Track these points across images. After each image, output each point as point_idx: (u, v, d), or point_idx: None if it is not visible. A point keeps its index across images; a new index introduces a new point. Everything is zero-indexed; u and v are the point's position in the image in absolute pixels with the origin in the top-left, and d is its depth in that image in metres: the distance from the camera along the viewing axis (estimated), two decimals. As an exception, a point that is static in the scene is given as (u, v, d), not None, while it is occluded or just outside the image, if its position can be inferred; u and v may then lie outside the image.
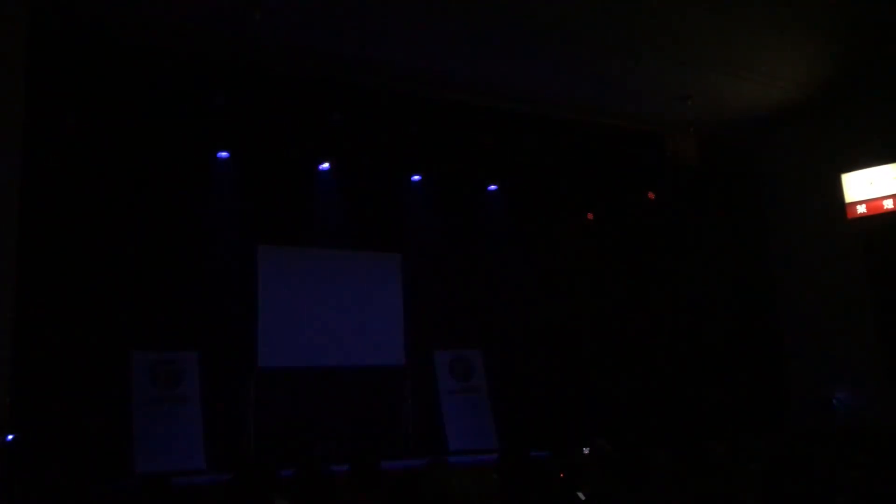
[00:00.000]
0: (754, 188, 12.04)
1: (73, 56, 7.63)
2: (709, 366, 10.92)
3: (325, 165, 9.81)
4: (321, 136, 9.30)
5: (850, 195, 10.85)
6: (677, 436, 8.19)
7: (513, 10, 7.95)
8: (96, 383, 7.73)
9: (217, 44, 8.26)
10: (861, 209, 10.74)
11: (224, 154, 9.21)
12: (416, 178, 10.50)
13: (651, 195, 11.28)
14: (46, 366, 7.31)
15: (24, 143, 7.08)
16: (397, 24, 8.12)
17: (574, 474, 3.95)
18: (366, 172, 9.99)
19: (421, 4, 7.79)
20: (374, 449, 8.10)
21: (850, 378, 10.53)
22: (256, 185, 9.28)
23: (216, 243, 9.01)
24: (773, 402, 11.07)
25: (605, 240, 11.21)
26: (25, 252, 7.15)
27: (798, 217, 11.48)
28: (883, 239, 10.50)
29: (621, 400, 10.42)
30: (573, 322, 10.86)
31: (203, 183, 9.06)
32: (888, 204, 10.46)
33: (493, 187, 11.03)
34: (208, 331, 8.79)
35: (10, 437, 6.51)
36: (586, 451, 5.46)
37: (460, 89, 9.70)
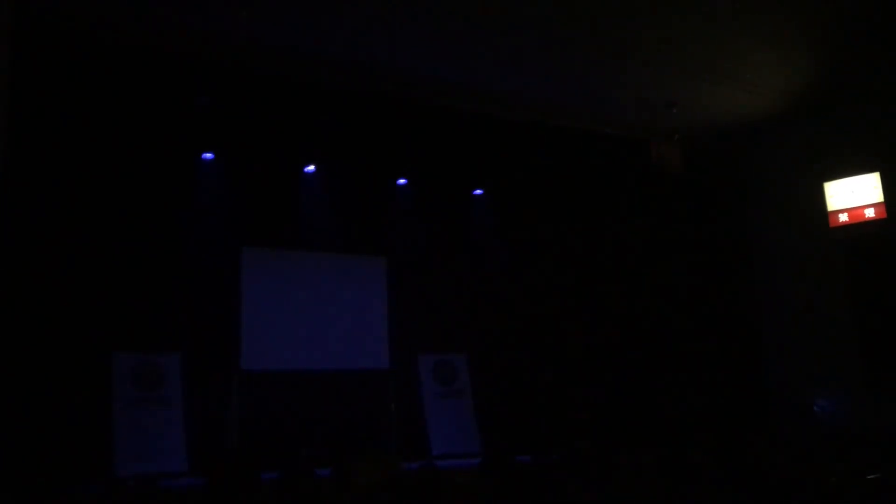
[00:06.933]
0: (738, 195, 12.13)
1: (57, 55, 7.58)
2: (690, 371, 10.98)
3: (311, 168, 9.80)
4: (307, 139, 9.29)
5: (832, 204, 10.96)
6: (659, 441, 8.23)
7: (500, 16, 7.98)
8: (77, 384, 7.65)
9: (203, 44, 8.23)
10: (843, 217, 10.84)
11: (209, 155, 9.17)
12: (402, 181, 10.50)
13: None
14: (27, 366, 7.24)
15: (6, 142, 7.01)
16: (385, 27, 8.12)
17: (555, 477, 3.95)
18: (352, 175, 9.98)
19: (408, 8, 7.80)
20: (354, 453, 8.07)
21: (832, 384, 10.61)
22: (241, 186, 9.24)
23: (200, 244, 8.94)
24: (755, 409, 11.14)
25: (590, 245, 11.24)
26: (6, 251, 7.09)
27: (781, 225, 11.58)
28: (864, 247, 10.60)
29: (604, 404, 10.44)
30: (557, 326, 10.88)
31: (187, 184, 9.00)
32: (870, 213, 10.57)
33: (478, 192, 11.06)
34: (191, 332, 8.72)
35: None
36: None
37: (447, 93, 9.72)
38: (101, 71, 7.85)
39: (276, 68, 8.78)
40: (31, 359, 7.32)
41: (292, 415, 9.03)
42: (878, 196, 10.50)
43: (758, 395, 11.35)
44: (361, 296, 9.92)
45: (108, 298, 8.10)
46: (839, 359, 10.62)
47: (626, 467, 3.59)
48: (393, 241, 10.29)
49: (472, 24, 8.11)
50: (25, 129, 7.35)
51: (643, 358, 10.94)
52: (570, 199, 11.20)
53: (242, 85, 8.66)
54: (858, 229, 10.68)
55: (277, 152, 9.35)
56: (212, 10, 7.55)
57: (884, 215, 10.44)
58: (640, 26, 8.37)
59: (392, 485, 2.94)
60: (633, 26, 8.37)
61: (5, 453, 6.80)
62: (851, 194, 10.76)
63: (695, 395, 10.77)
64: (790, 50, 9.13)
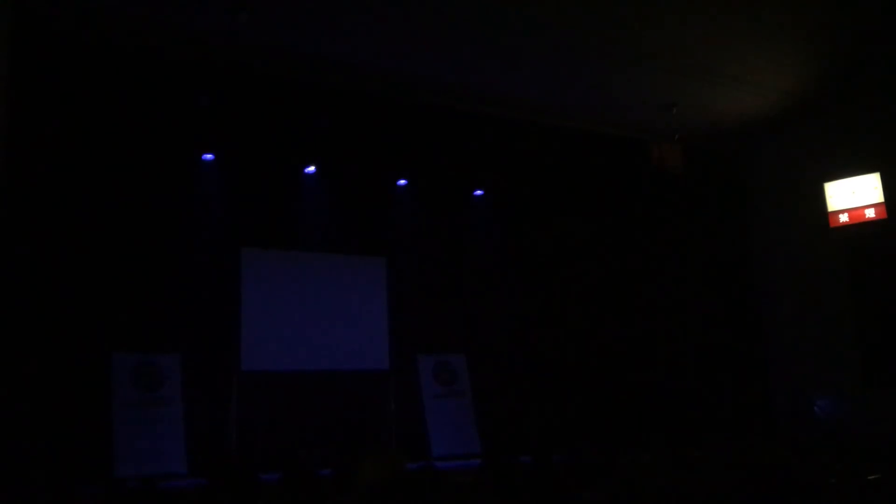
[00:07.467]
0: (738, 196, 12.13)
1: (57, 56, 7.58)
2: (692, 372, 10.97)
3: (311, 168, 9.80)
4: (307, 139, 9.29)
5: (832, 204, 10.95)
6: (659, 441, 8.21)
7: (499, 16, 7.97)
8: (77, 385, 7.65)
9: (203, 45, 8.23)
10: (843, 218, 10.83)
11: (209, 156, 9.18)
12: (402, 182, 10.50)
13: None
14: (27, 366, 7.23)
15: (6, 143, 7.02)
16: (384, 28, 8.12)
17: (555, 478, 3.95)
18: (352, 176, 9.98)
19: (408, 9, 7.80)
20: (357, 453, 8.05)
21: (832, 385, 10.60)
22: (241, 187, 9.25)
23: (200, 245, 8.95)
24: (755, 409, 11.13)
25: (590, 246, 11.23)
26: (6, 251, 7.09)
27: (782, 225, 11.57)
28: (865, 247, 10.59)
29: (604, 404, 10.43)
30: (557, 327, 10.87)
31: (188, 184, 9.01)
32: (870, 213, 10.56)
33: (478, 192, 11.05)
34: (191, 333, 8.73)
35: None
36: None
37: (447, 94, 9.72)
38: (101, 71, 7.84)
39: (276, 68, 8.78)
40: (32, 359, 7.31)
41: (292, 416, 9.04)
42: (878, 196, 10.49)
43: (758, 395, 11.34)
44: (361, 296, 9.92)
45: (108, 299, 8.10)
46: (839, 359, 10.61)
47: (627, 467, 3.58)
48: (393, 242, 10.29)
49: (472, 24, 8.11)
50: (25, 129, 7.34)
51: (643, 358, 10.93)
52: (570, 199, 11.19)
53: (242, 85, 8.66)
54: (859, 230, 10.67)
55: (277, 153, 9.35)
56: (212, 11, 7.55)
57: (884, 216, 10.43)
58: (640, 27, 8.37)
59: (397, 484, 2.92)
60: (633, 27, 8.36)
61: (5, 453, 6.80)
62: (852, 195, 10.76)
63: (695, 395, 10.76)
64: (790, 50, 9.12)
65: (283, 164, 9.58)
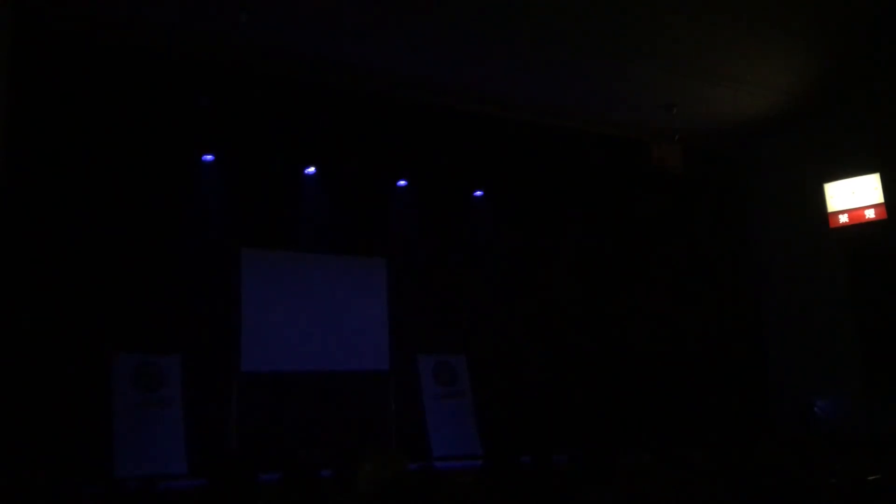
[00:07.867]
0: (739, 196, 12.14)
1: (57, 56, 7.58)
2: (692, 372, 10.97)
3: (311, 169, 9.80)
4: (307, 139, 9.30)
5: (832, 204, 10.96)
6: (659, 441, 8.21)
7: (499, 17, 7.98)
8: (78, 385, 7.65)
9: (203, 45, 8.24)
10: (843, 218, 10.84)
11: (209, 157, 9.18)
12: (402, 182, 10.50)
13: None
14: (28, 366, 7.24)
15: (6, 143, 7.02)
16: (384, 28, 8.13)
17: (556, 479, 3.95)
18: (351, 177, 9.98)
19: (408, 10, 7.81)
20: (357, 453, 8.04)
21: (832, 385, 10.61)
22: (241, 187, 9.25)
23: (200, 246, 8.94)
24: (755, 409, 11.13)
25: (589, 246, 11.23)
26: (6, 252, 7.09)
27: (781, 226, 11.58)
28: (864, 248, 10.60)
29: (604, 405, 10.43)
30: (557, 327, 10.88)
31: (187, 185, 9.00)
32: (870, 213, 10.57)
33: (478, 193, 11.05)
34: (191, 334, 8.72)
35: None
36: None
37: (447, 95, 9.72)
38: (102, 72, 7.85)
39: (276, 69, 8.79)
40: (32, 359, 7.32)
41: (292, 416, 9.03)
42: (878, 197, 10.51)
43: (758, 395, 11.34)
44: (361, 297, 9.91)
45: (109, 299, 8.10)
46: (839, 359, 10.62)
47: (627, 468, 3.58)
48: (393, 243, 10.28)
49: (471, 25, 8.12)
50: (25, 129, 7.35)
51: (644, 358, 10.94)
52: (570, 199, 11.20)
53: (242, 85, 8.67)
54: (859, 230, 10.68)
55: (278, 154, 9.35)
56: (212, 11, 7.56)
57: (884, 216, 10.44)
58: (641, 27, 8.38)
59: (398, 484, 2.92)
60: (633, 27, 8.37)
61: (6, 453, 6.80)
62: (852, 195, 10.77)
63: (695, 395, 10.76)
64: (790, 50, 9.13)
65: (283, 164, 9.58)
